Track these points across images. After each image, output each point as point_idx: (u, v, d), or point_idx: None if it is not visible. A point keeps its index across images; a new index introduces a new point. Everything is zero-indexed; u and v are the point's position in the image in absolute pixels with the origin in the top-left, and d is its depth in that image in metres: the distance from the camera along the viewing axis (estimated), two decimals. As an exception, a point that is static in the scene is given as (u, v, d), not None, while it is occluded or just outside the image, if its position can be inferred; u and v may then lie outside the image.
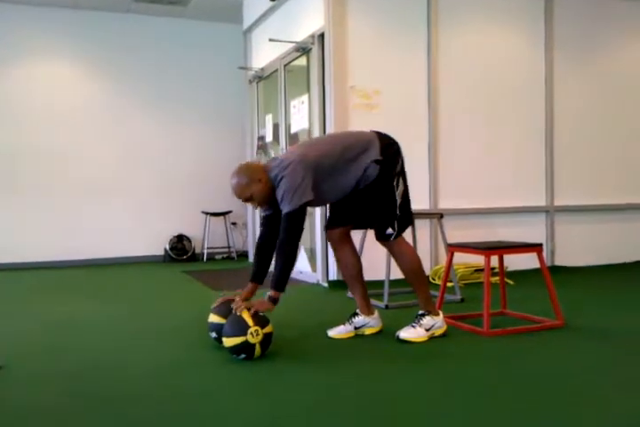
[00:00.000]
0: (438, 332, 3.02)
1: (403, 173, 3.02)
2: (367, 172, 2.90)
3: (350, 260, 3.14)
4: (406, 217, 3.03)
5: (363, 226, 3.36)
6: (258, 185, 2.82)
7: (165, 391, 2.26)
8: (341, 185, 2.93)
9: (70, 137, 6.93)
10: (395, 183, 2.97)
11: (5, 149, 6.71)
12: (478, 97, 5.19)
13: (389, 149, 2.97)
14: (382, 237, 3.03)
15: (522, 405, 2.03)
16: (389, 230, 2.99)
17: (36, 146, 6.81)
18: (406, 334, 2.97)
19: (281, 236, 2.78)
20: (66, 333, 3.30)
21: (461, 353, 2.73)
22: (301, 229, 2.80)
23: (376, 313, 3.19)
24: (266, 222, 3.01)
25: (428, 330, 2.97)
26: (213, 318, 2.90)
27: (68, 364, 2.66)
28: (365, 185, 2.94)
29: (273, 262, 2.91)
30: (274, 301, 2.74)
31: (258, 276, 2.97)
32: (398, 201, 2.97)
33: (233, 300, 2.89)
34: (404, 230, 3.05)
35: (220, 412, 2.02)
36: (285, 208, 2.77)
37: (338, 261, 3.21)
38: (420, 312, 3.03)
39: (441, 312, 3.08)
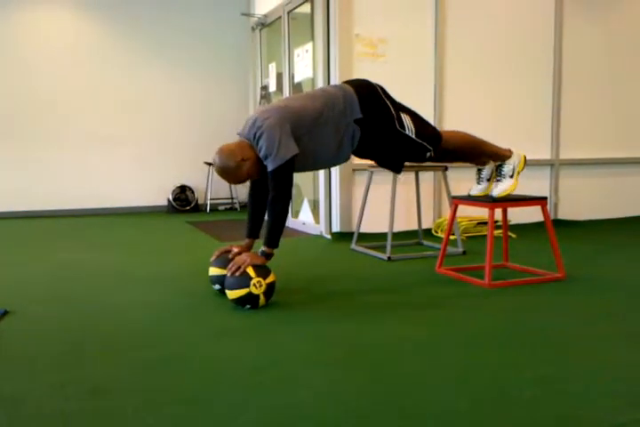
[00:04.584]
0: (520, 168, 3.18)
1: (397, 106, 2.97)
2: (351, 131, 2.86)
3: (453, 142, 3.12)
4: (430, 134, 3.01)
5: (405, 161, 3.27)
6: (246, 164, 2.73)
7: (169, 336, 2.30)
8: (326, 142, 2.83)
9: (70, 87, 6.84)
10: (398, 123, 2.92)
11: (5, 96, 6.63)
12: (486, 47, 5.07)
13: (369, 101, 2.89)
14: (427, 160, 3.11)
15: (518, 354, 2.07)
16: (428, 154, 3.04)
17: (38, 94, 6.73)
18: (497, 191, 3.17)
19: (270, 194, 2.71)
20: (70, 280, 3.34)
21: (461, 304, 2.76)
22: (291, 185, 2.73)
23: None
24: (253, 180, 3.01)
25: (512, 176, 3.16)
26: (214, 271, 2.93)
27: (72, 310, 2.70)
28: (358, 142, 2.91)
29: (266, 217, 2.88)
30: (267, 256, 2.74)
31: (253, 231, 2.99)
32: (413, 135, 2.94)
33: (230, 251, 2.94)
34: (439, 144, 3.04)
35: (222, 355, 2.06)
36: (270, 165, 2.67)
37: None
38: (497, 164, 3.21)
39: (510, 150, 3.20)
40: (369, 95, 2.90)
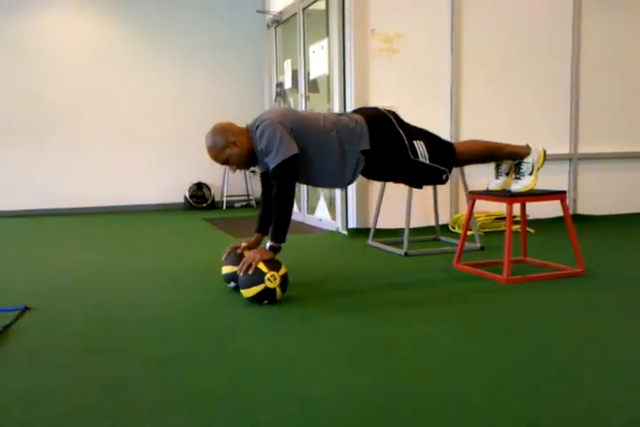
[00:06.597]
0: (539, 164, 3.13)
1: (411, 133, 2.95)
2: (355, 161, 2.87)
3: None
4: (444, 156, 3.00)
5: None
6: (233, 148, 2.76)
7: (184, 333, 2.30)
8: (328, 158, 2.83)
9: (86, 85, 6.89)
10: (411, 152, 2.91)
11: (20, 94, 6.70)
12: (503, 41, 5.02)
13: (380, 132, 2.89)
14: (445, 182, 3.08)
15: (536, 350, 2.05)
16: (444, 176, 3.03)
17: (53, 92, 6.80)
18: (516, 188, 3.14)
19: (274, 190, 2.71)
20: (89, 277, 3.36)
21: (480, 299, 2.74)
22: (294, 183, 2.73)
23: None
24: (264, 178, 3.02)
25: (531, 173, 3.12)
26: (227, 270, 2.95)
27: (89, 307, 2.72)
28: (362, 172, 2.94)
29: None
30: (275, 250, 2.74)
31: (262, 227, 3.02)
32: (427, 161, 2.93)
33: (239, 247, 2.97)
34: (452, 165, 3.04)
35: (238, 351, 2.06)
36: (272, 163, 2.68)
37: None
38: (516, 162, 3.16)
39: (528, 146, 3.15)
40: (381, 126, 2.91)
